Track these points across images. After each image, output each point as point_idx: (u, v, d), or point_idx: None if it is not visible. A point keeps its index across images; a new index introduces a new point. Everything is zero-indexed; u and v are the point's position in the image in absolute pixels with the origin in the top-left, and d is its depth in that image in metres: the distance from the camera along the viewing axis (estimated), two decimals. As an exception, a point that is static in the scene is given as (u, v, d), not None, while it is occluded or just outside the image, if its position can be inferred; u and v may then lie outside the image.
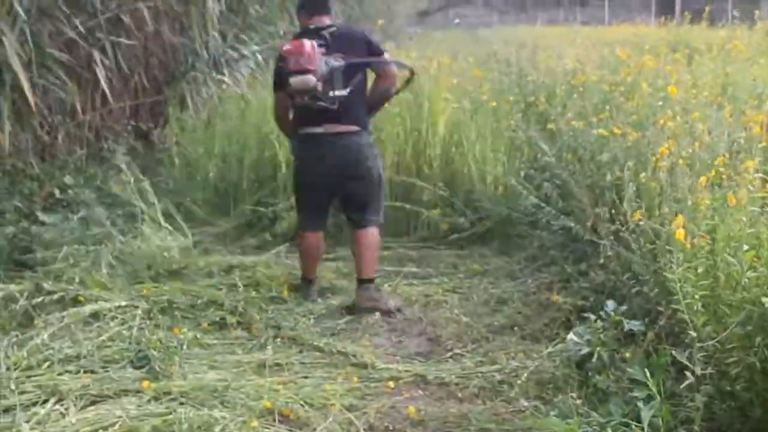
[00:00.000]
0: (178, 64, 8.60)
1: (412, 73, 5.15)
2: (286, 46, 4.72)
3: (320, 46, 4.66)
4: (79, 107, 7.09)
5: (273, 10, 10.19)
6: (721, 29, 14.76)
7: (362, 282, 4.87)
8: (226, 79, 8.45)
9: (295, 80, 4.55)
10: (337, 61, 4.68)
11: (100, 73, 6.90)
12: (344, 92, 4.71)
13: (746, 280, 2.99)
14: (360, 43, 4.92)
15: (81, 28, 6.68)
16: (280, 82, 4.80)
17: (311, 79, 4.52)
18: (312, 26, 4.89)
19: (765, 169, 3.65)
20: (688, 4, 41.43)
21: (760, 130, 3.97)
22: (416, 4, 24.24)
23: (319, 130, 4.79)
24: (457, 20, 52.13)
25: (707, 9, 14.67)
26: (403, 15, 24.20)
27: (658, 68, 6.95)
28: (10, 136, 6.06)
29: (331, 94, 4.67)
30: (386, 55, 4.98)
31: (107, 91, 7.22)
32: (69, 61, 6.74)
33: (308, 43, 4.57)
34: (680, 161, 3.95)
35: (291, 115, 5.01)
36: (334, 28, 4.90)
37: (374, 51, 4.91)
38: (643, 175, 4.22)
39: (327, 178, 4.87)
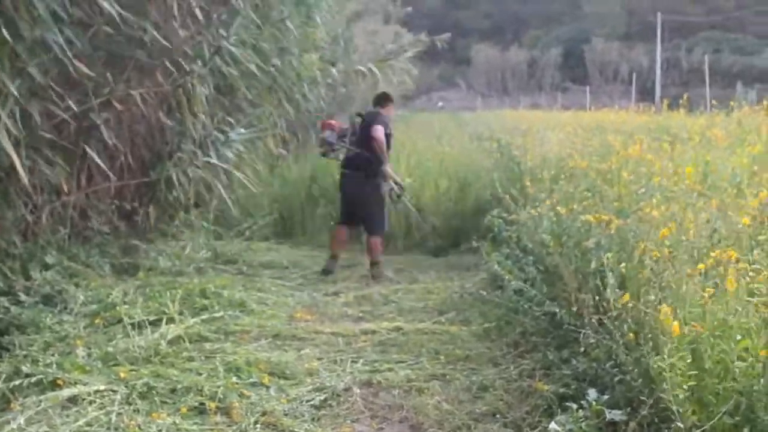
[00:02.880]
0: (164, 145, 8.63)
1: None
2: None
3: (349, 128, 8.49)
4: (64, 186, 7.09)
5: (262, 92, 10.29)
6: (699, 117, 15.01)
7: (370, 264, 8.16)
8: (212, 160, 8.49)
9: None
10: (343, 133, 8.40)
11: (92, 154, 6.92)
12: (341, 149, 8.37)
13: (736, 369, 3.00)
14: (372, 119, 8.18)
15: (72, 112, 6.72)
16: None
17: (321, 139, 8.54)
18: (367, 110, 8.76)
19: (747, 258, 3.69)
20: (667, 90, 42.22)
21: (747, 222, 4.01)
22: (400, 86, 24.54)
23: (344, 171, 8.35)
24: (440, 104, 52.96)
25: (685, 96, 14.90)
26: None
27: (641, 156, 7.04)
28: (-6, 215, 6.04)
29: (334, 150, 8.43)
30: (374, 126, 7.97)
31: (96, 171, 7.23)
32: (57, 142, 6.76)
33: (329, 122, 8.75)
34: (664, 250, 3.99)
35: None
36: (369, 111, 8.55)
37: (372, 123, 8.07)
38: (623, 265, 4.25)
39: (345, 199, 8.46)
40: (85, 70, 6.48)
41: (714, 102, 13.23)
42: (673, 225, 4.26)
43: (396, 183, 8.64)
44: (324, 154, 8.76)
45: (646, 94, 47.19)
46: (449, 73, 77.31)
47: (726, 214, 4.52)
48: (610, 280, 4.08)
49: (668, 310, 3.20)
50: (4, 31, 5.44)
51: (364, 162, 8.09)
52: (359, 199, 8.24)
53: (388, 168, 8.30)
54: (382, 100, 8.70)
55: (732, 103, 12.55)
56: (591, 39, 76.35)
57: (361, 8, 19.52)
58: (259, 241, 9.57)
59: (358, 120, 8.54)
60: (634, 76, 50.65)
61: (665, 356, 3.09)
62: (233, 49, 8.42)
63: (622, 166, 6.78)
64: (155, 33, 7.32)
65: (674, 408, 3.05)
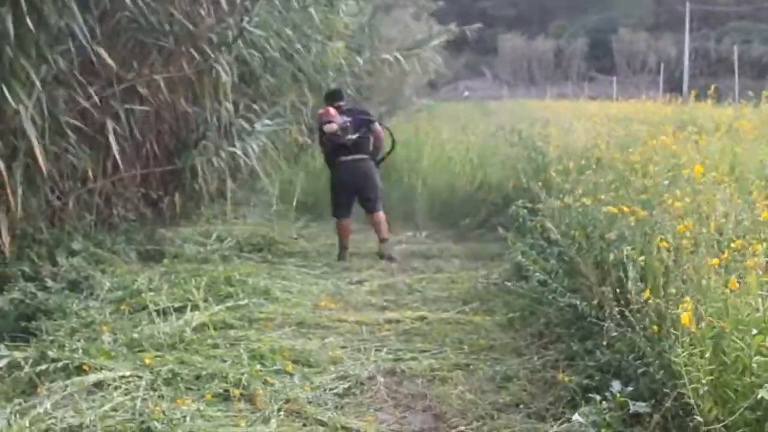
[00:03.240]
0: (189, 133, 8.67)
1: (392, 141, 9.41)
2: (320, 111, 8.77)
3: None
4: (90, 174, 7.14)
5: (284, 81, 10.30)
6: (727, 107, 14.87)
7: (381, 240, 8.71)
8: (237, 151, 8.51)
9: (326, 127, 8.42)
10: (347, 121, 8.49)
11: (113, 142, 6.96)
12: (354, 137, 8.48)
13: (755, 365, 2.98)
14: (362, 113, 8.98)
15: (96, 98, 6.76)
16: (321, 131, 8.66)
17: (333, 126, 8.35)
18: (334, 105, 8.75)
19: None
20: (695, 81, 41.85)
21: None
22: (425, 76, 24.57)
23: (345, 158, 8.60)
24: (466, 93, 52.83)
25: (713, 87, 14.74)
26: (412, 87, 24.44)
27: (668, 147, 6.99)
28: (21, 201, 6.08)
29: (347, 137, 8.43)
30: (377, 125, 8.85)
31: (119, 159, 7.28)
32: (82, 129, 6.81)
33: (331, 109, 8.54)
34: (684, 242, 3.96)
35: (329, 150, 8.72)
36: (345, 106, 8.85)
37: (370, 119, 8.84)
38: (641, 258, 4.22)
39: (351, 185, 8.72)
40: (108, 60, 6.52)
41: (750, 93, 13.02)
42: (697, 217, 4.24)
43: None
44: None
45: (674, 85, 46.80)
46: (475, 62, 77.01)
47: (753, 206, 4.49)
48: (631, 272, 4.06)
49: (689, 305, 3.18)
50: (29, 19, 5.48)
51: (367, 147, 8.73)
52: (370, 181, 8.77)
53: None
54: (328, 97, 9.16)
55: (765, 93, 12.37)
56: (618, 29, 75.78)
57: (391, 1, 19.45)
58: (283, 229, 9.59)
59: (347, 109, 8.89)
60: (662, 66, 50.27)
61: (682, 351, 3.08)
62: (256, 32, 8.42)
63: (650, 157, 6.73)
64: (182, 19, 7.37)
65: (694, 402, 3.03)
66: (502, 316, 5.99)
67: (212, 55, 8.06)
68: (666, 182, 5.62)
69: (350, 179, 8.72)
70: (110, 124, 7.02)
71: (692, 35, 53.69)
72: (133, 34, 7.44)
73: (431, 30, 23.46)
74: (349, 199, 8.78)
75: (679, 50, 59.15)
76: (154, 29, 7.44)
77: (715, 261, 3.49)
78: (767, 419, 2.93)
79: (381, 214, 8.76)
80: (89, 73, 6.85)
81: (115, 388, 4.27)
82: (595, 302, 4.84)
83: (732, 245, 3.69)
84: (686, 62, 49.13)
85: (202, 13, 7.99)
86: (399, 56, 17.77)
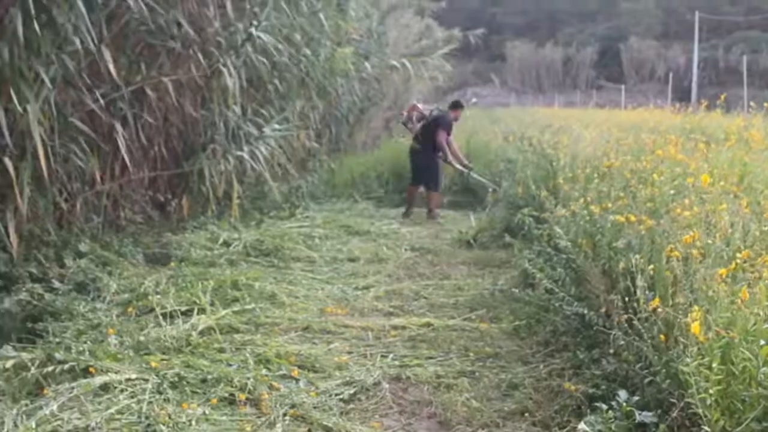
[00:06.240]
0: (197, 137, 8.68)
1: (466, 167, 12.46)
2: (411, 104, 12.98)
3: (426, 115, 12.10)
4: (98, 176, 7.15)
5: (292, 86, 10.31)
6: (737, 117, 14.84)
7: (429, 211, 11.79)
8: (245, 155, 8.52)
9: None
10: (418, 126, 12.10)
11: (122, 144, 6.97)
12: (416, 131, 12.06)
13: (762, 375, 2.97)
14: (437, 121, 11.82)
15: (101, 102, 6.76)
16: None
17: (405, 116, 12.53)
18: (435, 107, 12.46)
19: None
20: (703, 90, 41.78)
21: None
22: (433, 82, 24.55)
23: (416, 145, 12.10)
24: (474, 99, 52.74)
25: (722, 96, 14.68)
26: (420, 93, 24.39)
27: (675, 156, 6.97)
28: (28, 202, 6.08)
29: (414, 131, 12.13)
30: (438, 131, 11.71)
31: (127, 161, 7.29)
32: (90, 131, 6.81)
33: (412, 105, 12.80)
34: (694, 252, 3.95)
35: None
36: (436, 111, 12.11)
37: (436, 126, 11.80)
38: (651, 267, 4.21)
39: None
40: (111, 66, 6.53)
41: (752, 104, 13.02)
42: (704, 226, 4.22)
43: (463, 165, 12.34)
44: (404, 124, 12.71)
45: (682, 94, 46.78)
46: (483, 69, 77.12)
47: (761, 216, 4.48)
48: (639, 281, 4.05)
49: (697, 315, 3.17)
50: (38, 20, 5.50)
51: (423, 143, 11.84)
52: (420, 166, 11.94)
53: (452, 157, 12.08)
54: (453, 105, 12.53)
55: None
56: (627, 37, 75.80)
57: (396, 1, 19.49)
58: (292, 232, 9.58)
59: (435, 112, 12.13)
60: (671, 75, 50.23)
61: (690, 360, 3.07)
62: (264, 37, 8.42)
63: (656, 166, 6.71)
64: (186, 25, 7.39)
65: (701, 412, 3.02)
66: (508, 324, 5.98)
67: (220, 59, 8.07)
68: (672, 192, 5.60)
69: (412, 161, 12.21)
70: (118, 127, 7.02)
71: (701, 45, 53.66)
72: (141, 37, 7.45)
73: (431, 31, 23.48)
74: (413, 174, 12.20)
75: (687, 59, 59.23)
76: (162, 32, 7.45)
77: (723, 271, 3.48)
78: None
79: (431, 194, 11.96)
80: (97, 76, 6.86)
81: (121, 391, 4.27)
82: (602, 311, 4.82)
83: (740, 255, 3.68)
84: (695, 71, 49.12)
85: (210, 16, 8.00)
86: (406, 62, 17.77)
